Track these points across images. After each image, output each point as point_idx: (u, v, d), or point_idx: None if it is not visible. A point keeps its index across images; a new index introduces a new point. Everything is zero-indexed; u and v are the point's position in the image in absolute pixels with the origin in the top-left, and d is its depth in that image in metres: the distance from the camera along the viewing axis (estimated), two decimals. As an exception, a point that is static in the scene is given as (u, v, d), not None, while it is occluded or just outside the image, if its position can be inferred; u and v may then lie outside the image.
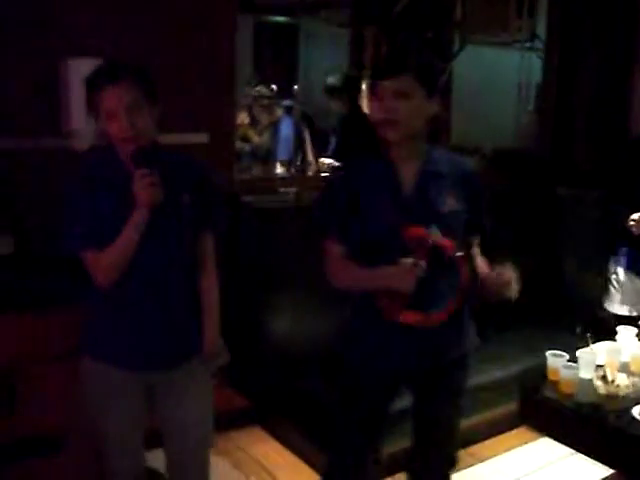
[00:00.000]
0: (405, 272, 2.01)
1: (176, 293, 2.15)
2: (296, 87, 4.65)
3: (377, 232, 2.12)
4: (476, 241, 2.31)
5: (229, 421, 3.53)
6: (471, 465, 3.42)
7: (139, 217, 2.00)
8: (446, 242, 2.09)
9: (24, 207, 2.90)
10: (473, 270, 2.23)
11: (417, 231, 2.06)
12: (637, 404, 2.46)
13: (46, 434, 2.56)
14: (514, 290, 2.14)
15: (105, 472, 2.33)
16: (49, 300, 2.57)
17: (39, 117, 2.91)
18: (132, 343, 2.12)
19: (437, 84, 2.14)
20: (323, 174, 4.39)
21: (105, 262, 2.04)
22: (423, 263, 2.01)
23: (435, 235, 2.06)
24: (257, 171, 4.83)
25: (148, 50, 2.95)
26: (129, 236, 2.01)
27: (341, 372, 2.34)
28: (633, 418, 2.39)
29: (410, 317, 2.11)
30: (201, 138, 3.26)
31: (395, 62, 2.12)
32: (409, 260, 2.01)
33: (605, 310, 3.58)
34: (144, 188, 1.97)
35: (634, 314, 3.38)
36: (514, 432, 3.61)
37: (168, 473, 2.39)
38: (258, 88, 5.17)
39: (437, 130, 4.73)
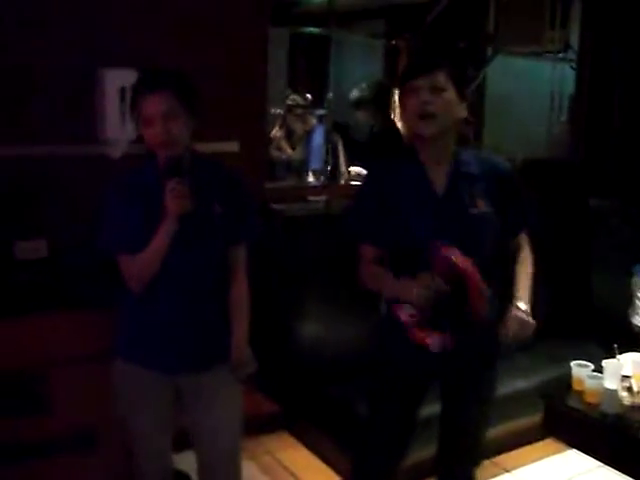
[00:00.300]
0: (418, 286, 2.02)
1: (206, 299, 2.20)
2: (329, 96, 4.68)
3: (407, 237, 2.13)
4: (523, 244, 2.29)
5: (258, 426, 3.57)
6: (496, 475, 3.42)
7: (168, 226, 2.07)
8: (469, 267, 2.03)
9: (59, 213, 2.99)
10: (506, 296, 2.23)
11: (445, 249, 2.03)
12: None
13: (80, 432, 2.63)
14: (529, 333, 2.17)
15: (134, 471, 2.40)
16: (83, 302, 2.65)
17: (75, 125, 3.00)
18: (162, 346, 2.18)
19: (467, 87, 2.19)
20: (353, 182, 4.44)
21: (136, 267, 2.12)
22: (440, 281, 1.99)
23: (457, 257, 2.02)
24: (291, 181, 4.88)
25: (181, 61, 3.03)
26: (158, 243, 2.08)
27: (370, 375, 2.36)
28: (658, 429, 2.39)
29: (420, 337, 2.13)
30: (232, 147, 3.32)
31: (429, 59, 2.17)
32: (426, 275, 2.01)
33: (631, 323, 3.54)
34: (173, 199, 2.04)
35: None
36: (541, 443, 3.59)
37: (199, 476, 2.43)
38: (292, 97, 5.22)
39: (467, 139, 4.77)
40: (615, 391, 2.62)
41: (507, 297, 2.24)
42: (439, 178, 2.15)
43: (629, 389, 2.59)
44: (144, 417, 2.27)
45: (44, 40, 2.92)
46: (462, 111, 2.12)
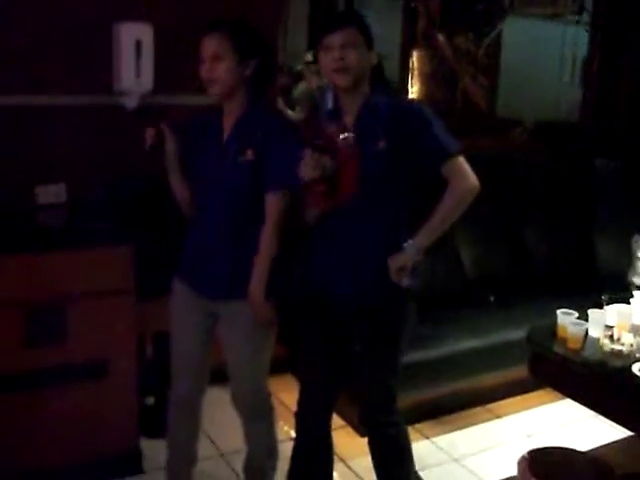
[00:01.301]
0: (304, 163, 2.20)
1: (239, 238, 2.37)
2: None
3: None
4: (451, 176, 2.27)
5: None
6: (487, 420, 3.59)
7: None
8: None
9: (78, 159, 3.16)
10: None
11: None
12: (638, 361, 2.57)
13: (93, 362, 2.81)
14: (404, 280, 2.25)
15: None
16: (98, 241, 2.84)
17: (93, 76, 3.15)
18: (193, 267, 2.47)
19: (372, 37, 2.29)
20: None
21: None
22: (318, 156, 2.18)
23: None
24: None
25: (197, 16, 3.14)
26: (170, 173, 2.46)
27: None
28: (633, 373, 2.51)
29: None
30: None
31: (339, 17, 2.44)
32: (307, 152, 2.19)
33: (632, 283, 3.63)
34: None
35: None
36: (534, 393, 3.75)
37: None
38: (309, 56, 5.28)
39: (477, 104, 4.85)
40: (597, 338, 2.74)
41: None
42: (349, 120, 2.31)
43: (611, 337, 2.71)
44: (185, 335, 2.52)
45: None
46: (373, 58, 2.29)
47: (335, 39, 2.22)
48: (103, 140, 3.16)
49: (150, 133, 2.39)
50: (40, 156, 3.11)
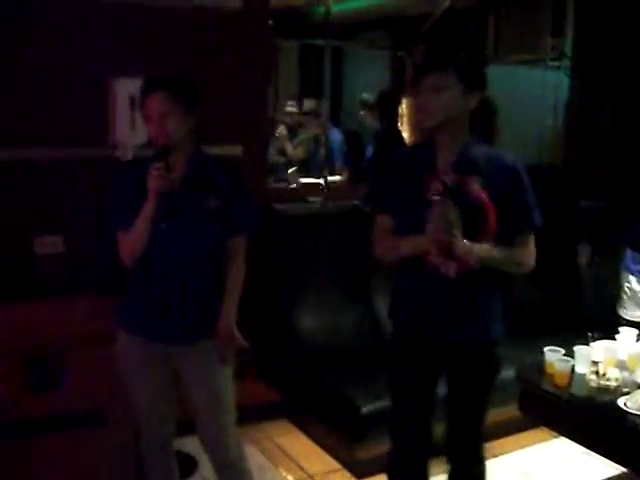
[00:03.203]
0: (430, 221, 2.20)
1: (198, 281, 2.45)
2: (325, 103, 4.97)
3: (414, 203, 2.31)
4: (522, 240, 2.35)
5: (260, 413, 3.80)
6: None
7: (148, 206, 2.36)
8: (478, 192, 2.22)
9: (74, 211, 3.25)
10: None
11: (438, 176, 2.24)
12: (624, 395, 2.63)
13: (90, 409, 2.86)
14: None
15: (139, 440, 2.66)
16: (96, 290, 2.88)
17: (89, 130, 3.25)
18: (151, 317, 2.46)
19: (479, 77, 2.29)
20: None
21: (125, 242, 2.43)
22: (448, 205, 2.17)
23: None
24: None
25: (189, 71, 3.26)
26: (139, 223, 2.37)
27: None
28: (619, 407, 2.56)
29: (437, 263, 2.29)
30: (235, 150, 3.55)
31: (432, 60, 2.30)
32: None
33: (619, 317, 3.69)
34: (153, 179, 2.33)
35: (645, 319, 3.48)
36: (530, 432, 3.76)
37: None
38: (290, 107, 5.50)
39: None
40: (584, 375, 2.80)
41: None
42: (444, 163, 2.31)
43: (597, 373, 2.76)
44: (139, 383, 2.54)
45: (63, 52, 3.20)
46: (470, 102, 2.26)
47: (422, 83, 2.24)
48: (100, 191, 3.24)
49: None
50: (38, 208, 3.20)
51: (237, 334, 2.48)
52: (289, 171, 5.02)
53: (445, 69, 2.22)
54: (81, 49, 3.24)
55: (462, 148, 2.30)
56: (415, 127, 4.84)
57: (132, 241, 2.40)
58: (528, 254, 2.38)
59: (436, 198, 2.19)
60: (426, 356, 2.44)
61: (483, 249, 2.25)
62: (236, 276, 2.51)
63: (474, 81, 2.27)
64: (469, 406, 2.53)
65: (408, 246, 2.33)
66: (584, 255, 3.66)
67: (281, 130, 5.33)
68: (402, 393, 2.53)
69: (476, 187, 2.24)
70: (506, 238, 2.31)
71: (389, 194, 2.41)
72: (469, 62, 2.28)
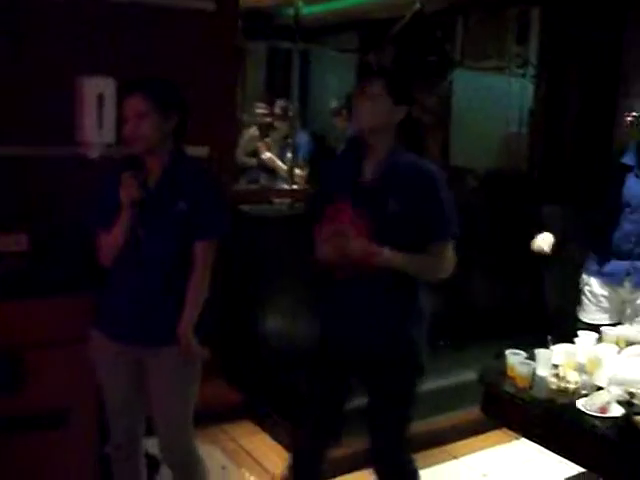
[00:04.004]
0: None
1: (163, 284, 2.45)
2: (294, 106, 5.00)
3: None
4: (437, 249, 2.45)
5: (223, 414, 3.81)
6: (444, 461, 3.66)
7: (123, 212, 2.38)
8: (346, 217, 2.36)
9: (40, 209, 3.21)
10: None
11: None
12: (583, 397, 2.68)
13: (52, 411, 2.82)
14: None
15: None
16: (58, 290, 2.86)
17: (57, 128, 3.21)
18: (121, 318, 2.47)
19: (408, 92, 2.46)
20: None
21: (102, 244, 2.47)
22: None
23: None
24: (267, 182, 5.16)
25: (157, 70, 3.25)
26: (116, 228, 2.40)
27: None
28: (577, 409, 2.62)
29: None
30: (201, 151, 3.54)
31: (366, 72, 2.56)
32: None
33: (580, 321, 3.75)
34: (124, 189, 2.37)
35: (605, 323, 3.54)
36: (490, 434, 3.84)
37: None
38: (259, 108, 5.52)
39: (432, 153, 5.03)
40: (544, 377, 2.85)
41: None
42: (369, 172, 2.45)
43: (557, 375, 2.81)
44: (113, 384, 2.57)
45: (30, 49, 3.16)
46: (398, 114, 2.42)
47: (358, 91, 2.41)
48: (67, 190, 3.22)
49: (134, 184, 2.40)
50: (2, 205, 3.16)
51: (194, 343, 2.45)
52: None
53: (378, 80, 2.39)
54: (48, 45, 3.20)
55: (386, 156, 2.43)
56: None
57: (108, 244, 2.44)
58: (442, 263, 2.47)
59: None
60: (339, 364, 2.58)
61: (391, 252, 2.36)
62: (195, 283, 2.46)
63: (402, 95, 2.42)
64: (387, 414, 2.59)
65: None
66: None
67: (253, 131, 5.34)
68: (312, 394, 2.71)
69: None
70: (421, 246, 2.41)
71: (320, 204, 2.51)
72: (399, 78, 2.46)
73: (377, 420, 2.61)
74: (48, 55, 3.20)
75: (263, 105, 5.73)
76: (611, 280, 3.61)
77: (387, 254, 2.35)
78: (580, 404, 2.63)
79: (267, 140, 5.47)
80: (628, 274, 3.55)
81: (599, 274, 3.64)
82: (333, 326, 2.57)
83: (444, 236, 2.46)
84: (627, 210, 3.53)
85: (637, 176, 3.53)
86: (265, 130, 5.65)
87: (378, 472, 2.64)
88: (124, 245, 2.42)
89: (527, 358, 2.91)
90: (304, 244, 2.53)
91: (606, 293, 3.63)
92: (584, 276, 3.73)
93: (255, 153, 5.47)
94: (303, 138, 5.60)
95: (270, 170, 5.33)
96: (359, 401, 2.64)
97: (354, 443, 2.94)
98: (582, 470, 3.02)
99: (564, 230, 4.27)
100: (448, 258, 2.48)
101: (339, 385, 2.65)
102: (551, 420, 2.71)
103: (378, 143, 2.43)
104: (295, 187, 4.57)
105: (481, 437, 3.84)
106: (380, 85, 2.38)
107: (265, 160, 5.41)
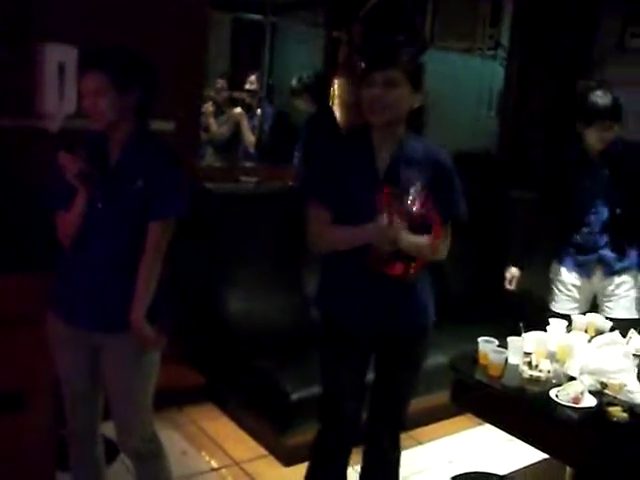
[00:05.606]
0: (382, 229, 2.29)
1: (118, 267, 2.34)
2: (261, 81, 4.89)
3: (352, 209, 2.40)
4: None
5: (183, 397, 3.72)
6: (409, 447, 3.60)
7: (80, 193, 2.30)
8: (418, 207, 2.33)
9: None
10: None
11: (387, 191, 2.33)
12: (555, 387, 2.65)
13: (7, 393, 2.70)
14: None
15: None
16: (13, 268, 2.70)
17: (13, 98, 3.06)
18: (76, 301, 2.37)
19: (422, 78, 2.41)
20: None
21: (60, 224, 2.35)
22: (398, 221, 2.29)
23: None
24: (213, 160, 5.04)
25: (120, 41, 3.11)
26: (74, 207, 2.32)
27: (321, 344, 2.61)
28: (550, 399, 2.59)
29: (396, 269, 2.38)
30: (168, 126, 3.42)
31: (385, 55, 2.38)
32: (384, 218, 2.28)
33: (550, 310, 3.73)
34: (64, 167, 2.30)
35: (576, 313, 3.53)
36: (456, 419, 3.82)
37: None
38: (220, 82, 5.41)
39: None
40: (516, 365, 2.81)
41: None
42: (383, 160, 2.40)
43: (529, 364, 2.78)
44: (69, 367, 2.48)
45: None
46: (416, 101, 2.38)
47: (378, 77, 2.31)
48: (25, 164, 3.07)
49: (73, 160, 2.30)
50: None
51: (147, 328, 2.32)
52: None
53: (397, 67, 2.32)
54: (6, 9, 3.02)
55: (401, 143, 2.41)
56: (349, 109, 4.81)
57: (67, 224, 2.33)
58: (445, 245, 2.52)
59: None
60: (359, 341, 2.53)
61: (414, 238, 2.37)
62: (145, 266, 2.32)
63: (419, 82, 2.39)
64: (397, 391, 2.64)
65: (362, 237, 2.37)
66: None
67: (207, 106, 5.21)
68: (334, 376, 2.59)
69: (418, 201, 2.33)
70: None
71: (326, 185, 2.44)
72: (416, 63, 2.41)
73: (384, 399, 2.63)
74: (5, 20, 3.03)
75: (222, 81, 5.59)
76: (582, 271, 3.59)
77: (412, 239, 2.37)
78: (553, 394, 2.60)
79: (239, 110, 5.35)
80: (599, 262, 3.53)
81: (570, 264, 3.62)
82: (364, 310, 2.48)
83: (450, 219, 2.49)
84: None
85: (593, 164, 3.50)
86: (223, 106, 5.53)
87: (373, 450, 2.69)
88: (85, 223, 2.31)
89: (499, 346, 2.87)
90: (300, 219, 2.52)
91: (577, 283, 3.61)
92: (555, 266, 3.71)
93: (206, 129, 5.34)
94: (269, 111, 5.49)
95: (217, 146, 5.23)
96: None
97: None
98: (546, 456, 3.01)
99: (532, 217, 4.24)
100: (448, 241, 2.53)
101: (363, 366, 2.60)
102: (523, 409, 2.68)
103: (392, 131, 2.40)
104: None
105: (447, 422, 3.83)
106: (400, 73, 2.32)
107: (235, 114, 5.29)
